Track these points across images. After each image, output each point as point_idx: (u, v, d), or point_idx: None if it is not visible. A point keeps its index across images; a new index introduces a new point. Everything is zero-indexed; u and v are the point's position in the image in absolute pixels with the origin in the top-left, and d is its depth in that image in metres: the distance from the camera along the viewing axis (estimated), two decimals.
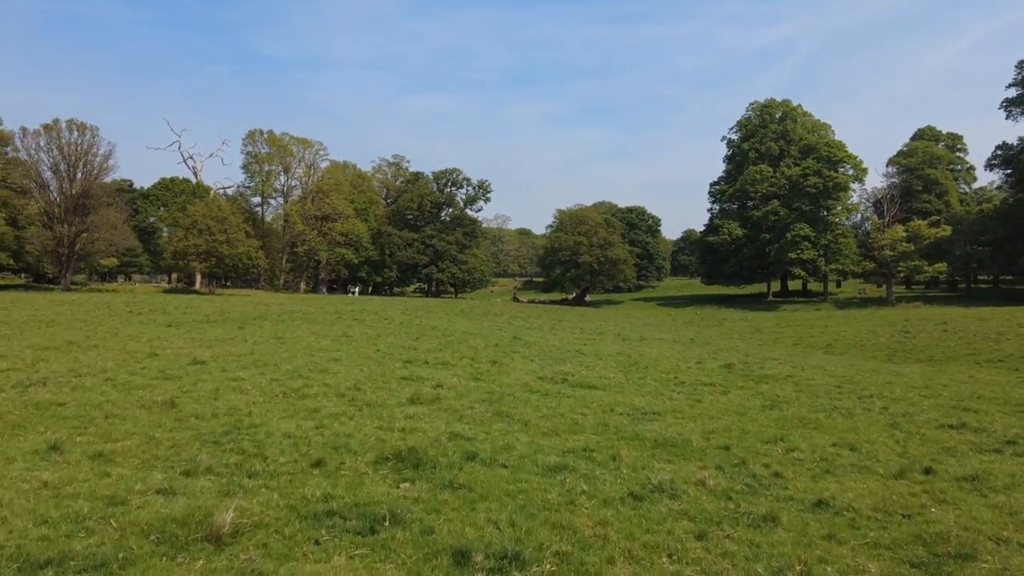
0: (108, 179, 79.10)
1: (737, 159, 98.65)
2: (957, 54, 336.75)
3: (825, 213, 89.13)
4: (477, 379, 16.15)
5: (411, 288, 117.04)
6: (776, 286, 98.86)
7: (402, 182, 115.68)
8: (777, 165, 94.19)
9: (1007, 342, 34.71)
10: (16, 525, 6.14)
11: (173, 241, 77.17)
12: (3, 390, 12.72)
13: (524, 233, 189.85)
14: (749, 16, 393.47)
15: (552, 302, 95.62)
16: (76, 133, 73.39)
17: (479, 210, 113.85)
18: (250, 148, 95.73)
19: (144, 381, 14.20)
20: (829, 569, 5.99)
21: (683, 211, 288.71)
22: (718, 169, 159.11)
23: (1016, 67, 79.43)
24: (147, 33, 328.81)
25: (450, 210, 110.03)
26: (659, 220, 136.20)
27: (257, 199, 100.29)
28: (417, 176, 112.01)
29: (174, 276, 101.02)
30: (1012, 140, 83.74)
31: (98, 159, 75.20)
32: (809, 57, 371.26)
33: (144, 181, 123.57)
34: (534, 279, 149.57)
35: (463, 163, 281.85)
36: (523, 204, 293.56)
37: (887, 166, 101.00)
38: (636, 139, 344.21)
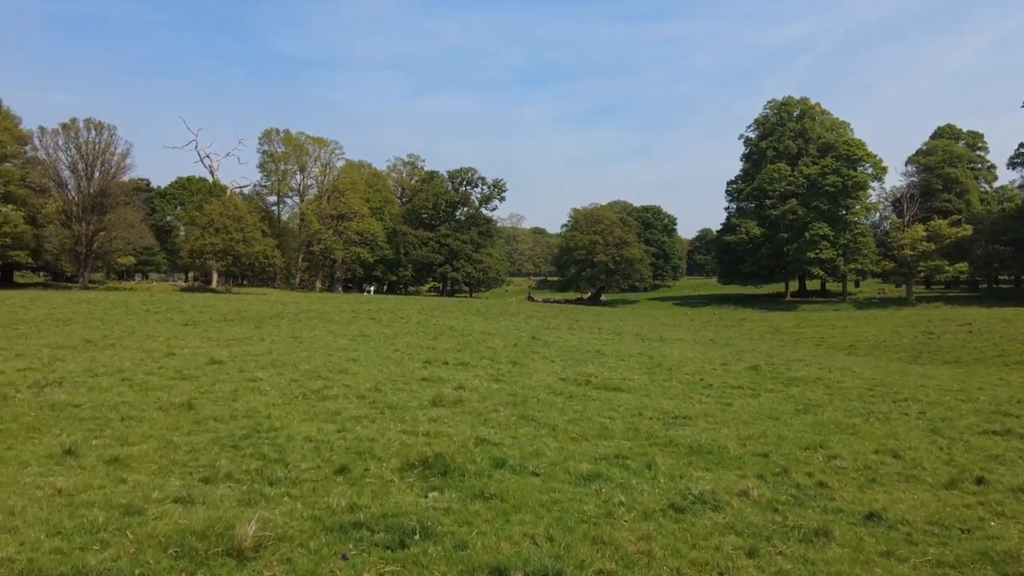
0: (125, 178, 79.45)
1: (755, 157, 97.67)
2: (978, 51, 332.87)
3: (844, 212, 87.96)
4: (499, 380, 15.78)
5: (425, 287, 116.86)
6: (794, 286, 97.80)
7: (417, 181, 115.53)
8: (795, 164, 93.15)
9: None
10: (29, 536, 5.83)
11: (190, 240, 77.31)
12: (19, 390, 12.48)
13: (538, 232, 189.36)
14: (766, 14, 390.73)
15: (567, 301, 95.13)
16: (94, 132, 73.71)
17: (494, 209, 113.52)
18: (266, 147, 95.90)
19: (161, 381, 13.94)
20: None
21: (699, 210, 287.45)
22: (734, 168, 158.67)
23: None
24: (166, 34, 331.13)
25: (465, 209, 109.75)
26: (675, 219, 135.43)
27: (273, 198, 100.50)
28: (432, 175, 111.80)
29: (191, 275, 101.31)
30: None
31: (115, 158, 75.51)
32: (827, 55, 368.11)
33: (161, 180, 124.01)
34: (548, 278, 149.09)
35: (478, 162, 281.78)
36: (537, 203, 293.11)
37: (906, 165, 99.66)
38: (652, 138, 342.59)
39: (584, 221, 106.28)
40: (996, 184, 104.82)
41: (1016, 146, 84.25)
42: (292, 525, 6.20)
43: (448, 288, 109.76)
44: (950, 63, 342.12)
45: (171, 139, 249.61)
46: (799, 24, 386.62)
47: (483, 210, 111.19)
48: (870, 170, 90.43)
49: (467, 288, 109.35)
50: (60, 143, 72.81)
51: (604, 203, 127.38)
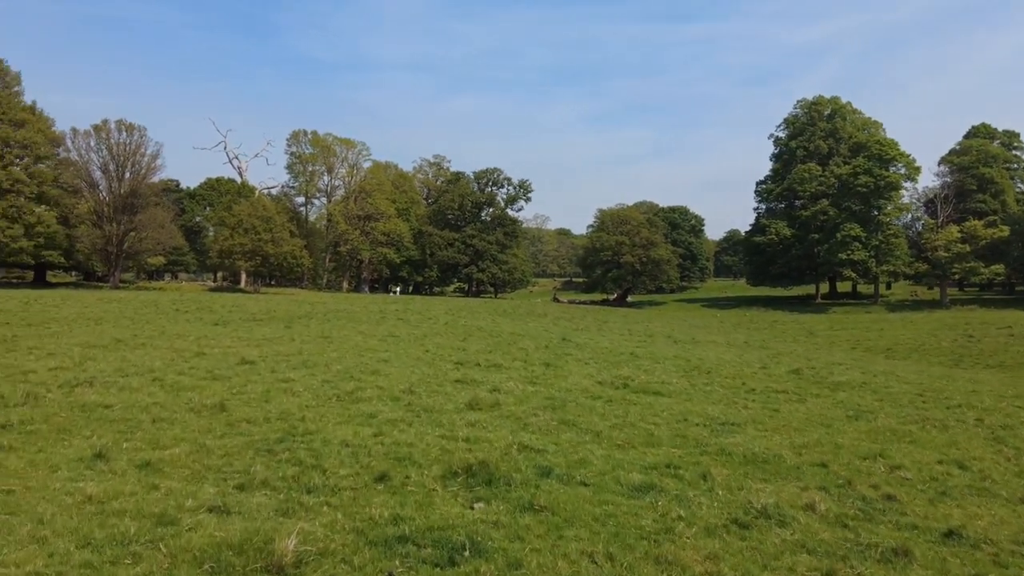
0: (155, 179, 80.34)
1: (784, 157, 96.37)
2: (1014, 48, 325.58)
3: (876, 213, 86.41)
4: (534, 383, 15.35)
5: (451, 288, 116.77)
6: (824, 288, 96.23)
7: (443, 182, 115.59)
8: (826, 164, 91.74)
9: None
10: (58, 547, 5.51)
11: (219, 240, 77.88)
12: (50, 390, 12.28)
13: (563, 233, 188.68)
14: (796, 12, 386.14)
15: (593, 303, 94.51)
16: (125, 133, 74.62)
17: (520, 210, 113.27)
18: (294, 148, 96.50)
19: (192, 382, 13.69)
20: None
21: (726, 211, 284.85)
22: (762, 168, 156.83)
23: None
24: (196, 37, 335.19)
25: (491, 210, 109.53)
26: (702, 220, 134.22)
27: (301, 199, 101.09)
28: (458, 176, 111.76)
29: (219, 275, 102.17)
30: None
31: (146, 159, 76.39)
32: (858, 53, 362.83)
33: (190, 181, 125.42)
34: (573, 279, 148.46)
35: (503, 163, 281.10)
36: (562, 204, 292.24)
37: (939, 165, 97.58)
38: (678, 138, 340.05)
39: (610, 222, 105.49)
40: None
41: None
42: (334, 539, 5.81)
43: (473, 289, 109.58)
44: (984, 61, 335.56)
45: (200, 140, 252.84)
46: (829, 23, 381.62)
47: (509, 211, 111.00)
48: (903, 170, 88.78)
49: (492, 289, 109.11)
50: (92, 144, 73.87)
51: (630, 204, 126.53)
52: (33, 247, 67.95)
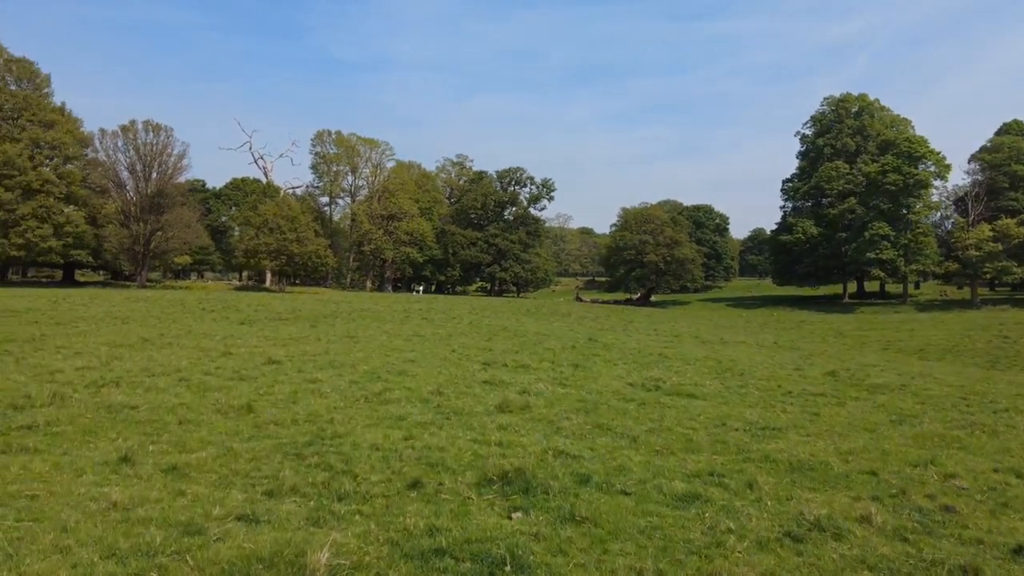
0: (182, 179, 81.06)
1: (811, 155, 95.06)
2: None
3: (905, 211, 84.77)
4: (564, 385, 15.02)
5: (473, 287, 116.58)
6: (852, 287, 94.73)
7: (465, 181, 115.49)
8: (854, 161, 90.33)
9: None
10: (81, 558, 5.28)
11: (244, 240, 78.37)
12: (77, 390, 12.19)
13: (586, 232, 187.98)
14: (822, 9, 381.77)
15: (616, 302, 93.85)
16: (152, 134, 75.29)
17: (542, 209, 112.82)
18: (318, 148, 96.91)
19: (219, 382, 13.54)
20: None
21: (751, 210, 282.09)
22: (787, 167, 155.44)
23: None
24: (220, 39, 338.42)
25: (513, 209, 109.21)
26: (727, 218, 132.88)
27: (325, 199, 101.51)
28: (481, 175, 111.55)
29: (245, 274, 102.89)
30: None
31: (172, 159, 77.04)
32: (885, 50, 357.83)
33: (216, 181, 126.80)
34: (596, 279, 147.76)
35: (525, 162, 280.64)
36: (584, 203, 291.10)
37: (969, 162, 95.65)
38: (702, 136, 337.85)
39: (634, 220, 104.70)
40: None
41: None
42: (368, 551, 5.53)
43: (496, 288, 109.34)
44: (1016, 57, 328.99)
45: (226, 141, 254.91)
46: (856, 20, 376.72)
47: (531, 210, 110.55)
48: (932, 168, 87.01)
49: (515, 288, 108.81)
50: (119, 144, 74.64)
51: (654, 202, 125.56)
52: (62, 247, 68.81)
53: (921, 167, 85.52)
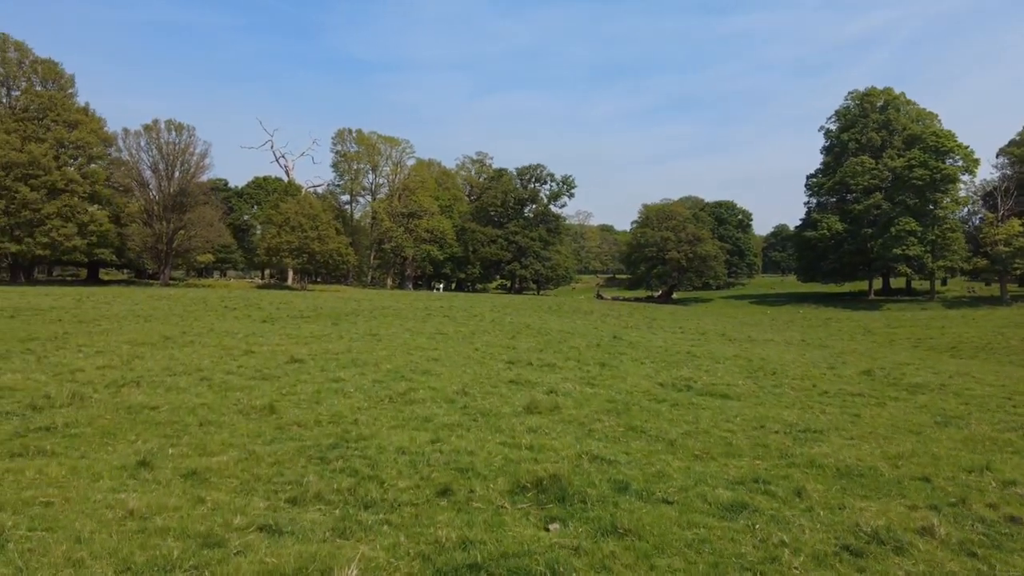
0: (204, 178, 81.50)
1: (836, 150, 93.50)
2: None
3: (932, 207, 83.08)
4: (592, 385, 14.61)
5: (493, 285, 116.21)
6: (878, 284, 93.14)
7: (485, 179, 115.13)
8: (879, 156, 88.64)
9: None
10: (95, 571, 4.97)
11: (266, 238, 78.63)
12: (97, 390, 11.96)
13: (606, 229, 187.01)
14: (844, 3, 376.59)
15: (637, 299, 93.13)
16: (174, 133, 75.75)
17: (563, 206, 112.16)
18: (339, 147, 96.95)
19: (241, 382, 13.27)
20: None
21: (773, 206, 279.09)
22: (810, 162, 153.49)
23: None
24: (242, 39, 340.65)
25: (533, 206, 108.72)
26: (750, 215, 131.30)
27: (346, 197, 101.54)
28: (501, 173, 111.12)
29: (267, 272, 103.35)
30: None
31: (194, 158, 77.46)
32: (910, 43, 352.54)
33: (238, 180, 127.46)
34: (616, 276, 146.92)
35: (545, 159, 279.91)
36: (605, 200, 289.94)
37: (997, 156, 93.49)
38: (724, 133, 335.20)
39: (655, 217, 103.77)
40: None
41: None
42: (398, 567, 5.16)
43: (516, 286, 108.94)
44: None
45: (247, 140, 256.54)
46: (880, 12, 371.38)
47: (552, 207, 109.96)
48: (960, 162, 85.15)
49: (535, 286, 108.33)
50: (142, 144, 75.15)
51: (675, 199, 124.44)
52: (86, 245, 69.43)
53: (948, 162, 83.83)
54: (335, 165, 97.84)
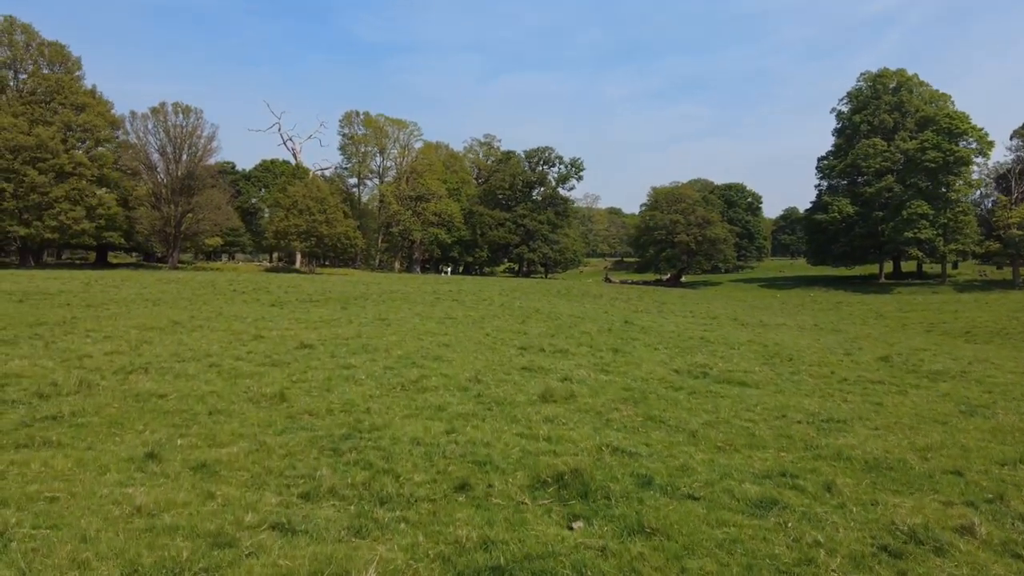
0: (212, 161, 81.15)
1: (847, 132, 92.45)
2: None
3: (945, 190, 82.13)
4: (606, 372, 14.35)
5: (500, 268, 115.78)
6: (888, 267, 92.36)
7: (494, 162, 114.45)
8: (891, 138, 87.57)
9: None
10: (100, 574, 4.75)
11: (274, 221, 78.40)
12: (104, 376, 11.77)
13: (614, 212, 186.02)
14: None
15: (646, 283, 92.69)
16: (181, 116, 75.37)
17: (571, 189, 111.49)
18: (347, 130, 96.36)
19: (251, 368, 13.07)
20: None
21: (783, 189, 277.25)
22: (820, 145, 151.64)
23: None
24: (252, 22, 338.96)
25: (542, 189, 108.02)
26: (760, 197, 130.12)
27: (354, 180, 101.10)
28: (509, 155, 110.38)
29: (275, 255, 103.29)
30: None
31: (202, 141, 77.14)
32: (923, 25, 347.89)
33: (246, 163, 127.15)
34: (624, 259, 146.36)
35: (554, 142, 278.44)
36: (613, 183, 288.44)
37: (1011, 139, 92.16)
38: (734, 115, 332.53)
39: (664, 200, 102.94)
40: None
41: None
42: (418, 569, 4.93)
43: (524, 269, 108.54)
44: None
45: (255, 123, 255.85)
46: None
47: (560, 190, 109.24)
48: (974, 145, 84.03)
49: (543, 269, 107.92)
50: (150, 127, 74.83)
51: (684, 181, 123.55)
52: (95, 229, 69.36)
53: (962, 144, 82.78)
54: (342, 148, 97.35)
